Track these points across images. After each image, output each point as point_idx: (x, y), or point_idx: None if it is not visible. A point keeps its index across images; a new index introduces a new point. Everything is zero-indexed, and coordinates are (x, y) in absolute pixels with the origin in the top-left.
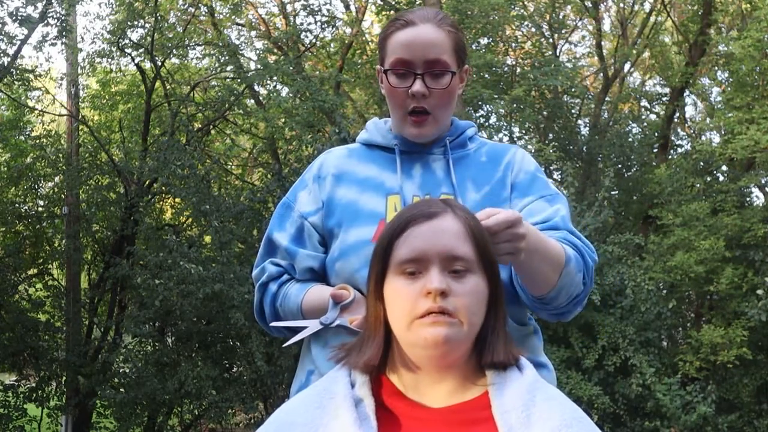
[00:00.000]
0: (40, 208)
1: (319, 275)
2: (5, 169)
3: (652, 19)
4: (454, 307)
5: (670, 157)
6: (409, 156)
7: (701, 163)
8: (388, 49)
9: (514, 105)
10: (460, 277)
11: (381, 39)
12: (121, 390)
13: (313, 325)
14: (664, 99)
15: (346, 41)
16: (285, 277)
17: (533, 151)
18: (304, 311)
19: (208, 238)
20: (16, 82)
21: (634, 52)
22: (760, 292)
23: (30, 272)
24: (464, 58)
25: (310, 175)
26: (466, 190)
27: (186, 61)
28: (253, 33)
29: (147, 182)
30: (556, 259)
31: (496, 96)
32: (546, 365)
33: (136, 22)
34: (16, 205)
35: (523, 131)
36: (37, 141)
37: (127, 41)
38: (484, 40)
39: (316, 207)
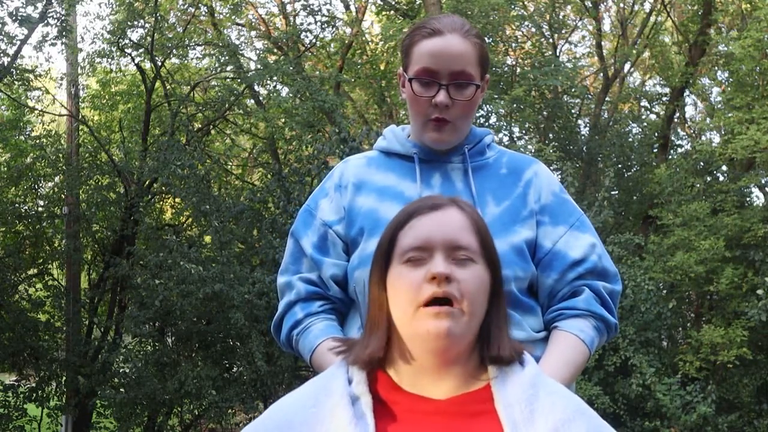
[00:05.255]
0: (40, 208)
1: (342, 283)
2: (5, 169)
3: (652, 19)
4: (458, 293)
5: (670, 157)
6: (428, 164)
7: (701, 163)
8: (414, 57)
9: (514, 105)
10: (464, 264)
11: (406, 45)
12: (121, 390)
13: None
14: (664, 99)
15: (346, 41)
16: (315, 306)
17: (533, 151)
18: (313, 361)
19: (208, 238)
20: (16, 82)
21: (634, 52)
22: (760, 292)
23: (30, 272)
24: (487, 68)
25: (331, 183)
26: (486, 204)
27: (186, 61)
28: (253, 33)
29: (147, 182)
30: (581, 365)
31: (496, 96)
32: None
33: (136, 22)
34: (16, 205)
35: (523, 131)
36: (37, 141)
37: (127, 41)
38: None
39: (339, 216)
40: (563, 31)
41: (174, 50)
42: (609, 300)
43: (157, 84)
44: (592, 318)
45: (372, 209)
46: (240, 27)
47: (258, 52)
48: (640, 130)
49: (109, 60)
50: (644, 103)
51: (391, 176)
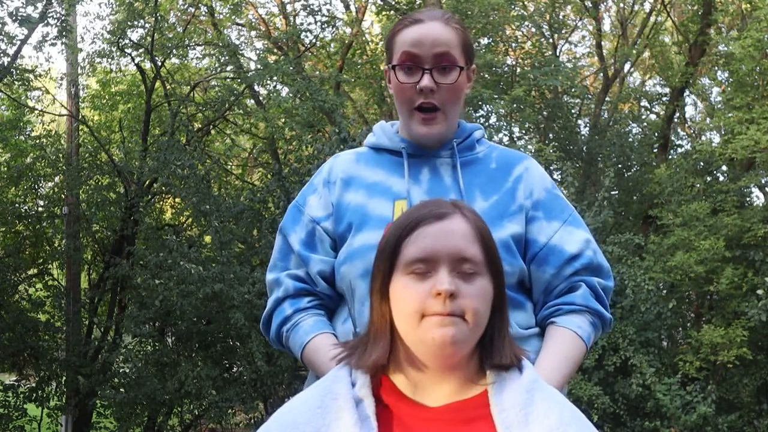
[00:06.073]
0: (40, 208)
1: (330, 279)
2: (5, 169)
3: (652, 19)
4: (462, 309)
5: (670, 157)
6: (417, 159)
7: (701, 163)
8: (396, 47)
9: (514, 105)
10: (469, 278)
11: (388, 38)
12: (121, 390)
13: None
14: (664, 99)
15: (346, 41)
16: (303, 302)
17: (533, 151)
18: (303, 357)
19: (208, 238)
20: (16, 82)
21: (634, 52)
22: (760, 292)
23: (30, 272)
24: (471, 56)
25: (320, 179)
26: (475, 199)
27: (186, 61)
28: (253, 33)
29: (147, 182)
30: (578, 361)
31: (496, 96)
32: None
33: (136, 22)
34: (16, 205)
35: (523, 131)
36: (37, 141)
37: (127, 41)
38: (484, 40)
39: (327, 212)
40: (563, 31)
41: (174, 50)
42: (603, 296)
43: (157, 84)
44: (588, 314)
45: (360, 205)
46: (240, 27)
47: (258, 52)
48: (640, 130)
49: (109, 60)
50: (644, 103)
51: (379, 172)
